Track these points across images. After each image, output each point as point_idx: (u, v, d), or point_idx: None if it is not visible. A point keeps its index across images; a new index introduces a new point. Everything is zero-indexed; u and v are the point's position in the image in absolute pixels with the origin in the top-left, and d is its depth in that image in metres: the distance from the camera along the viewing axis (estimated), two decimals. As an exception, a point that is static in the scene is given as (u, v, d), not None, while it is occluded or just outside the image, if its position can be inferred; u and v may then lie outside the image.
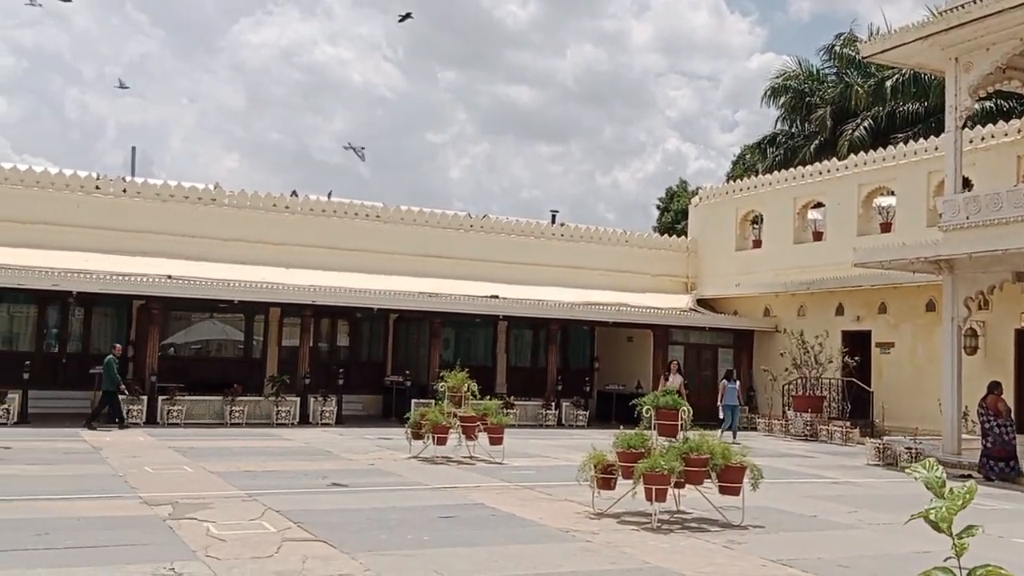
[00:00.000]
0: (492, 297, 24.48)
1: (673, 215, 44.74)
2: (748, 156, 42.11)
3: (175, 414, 20.51)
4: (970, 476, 15.33)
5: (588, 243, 28.92)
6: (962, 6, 16.90)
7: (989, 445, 15.92)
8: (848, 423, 22.57)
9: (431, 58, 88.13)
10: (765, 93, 37.54)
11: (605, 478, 10.39)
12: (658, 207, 48.81)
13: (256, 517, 9.57)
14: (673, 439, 10.53)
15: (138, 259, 21.92)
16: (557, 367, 25.60)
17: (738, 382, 22.53)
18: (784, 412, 24.34)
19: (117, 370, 19.64)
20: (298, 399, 22.01)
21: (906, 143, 24.94)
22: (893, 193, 24.27)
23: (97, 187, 23.41)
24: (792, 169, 28.36)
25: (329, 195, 27.96)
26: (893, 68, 29.61)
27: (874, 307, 23.79)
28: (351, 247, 25.21)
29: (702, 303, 28.42)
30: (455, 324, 26.68)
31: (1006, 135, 21.08)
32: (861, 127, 33.05)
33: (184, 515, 9.48)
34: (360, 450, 16.79)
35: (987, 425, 16.01)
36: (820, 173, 26.31)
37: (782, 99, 37.18)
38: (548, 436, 21.49)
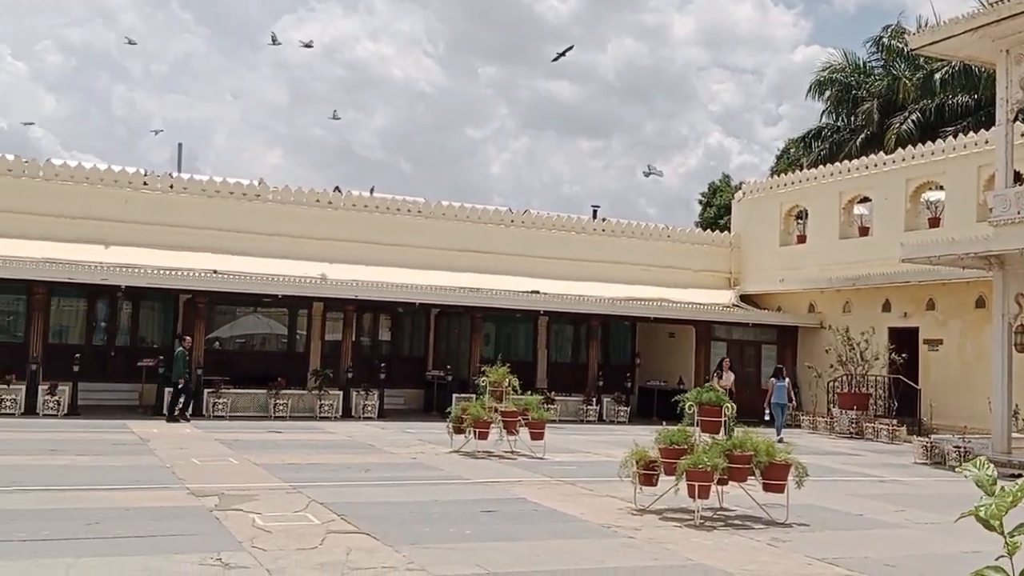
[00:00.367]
0: (533, 292, 24.48)
1: (716, 210, 44.37)
2: (792, 150, 41.60)
3: (220, 407, 20.80)
4: (1021, 475, 15.02)
5: (630, 238, 28.80)
6: (1014, -4, 16.52)
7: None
8: (895, 421, 22.24)
9: (471, 53, 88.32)
10: (810, 86, 37.05)
11: (647, 474, 10.35)
12: (700, 202, 48.45)
13: (300, 509, 9.67)
14: (716, 436, 10.45)
15: (185, 254, 22.25)
16: (598, 363, 25.54)
17: (787, 379, 22.17)
18: (829, 409, 24.04)
19: (185, 364, 19.96)
20: (341, 393, 22.21)
21: (955, 137, 24.47)
22: (942, 187, 23.83)
23: (145, 183, 23.80)
24: (838, 163, 27.97)
25: (371, 191, 28.23)
26: (942, 60, 29.00)
27: (922, 303, 23.40)
28: (393, 242, 25.35)
29: (745, 299, 28.16)
30: (496, 319, 26.73)
31: (1060, 128, 20.58)
32: (909, 120, 32.50)
33: (230, 506, 9.62)
34: (402, 444, 16.89)
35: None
36: (867, 167, 25.94)
37: (828, 92, 36.65)
38: (589, 432, 21.45)
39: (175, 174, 26.61)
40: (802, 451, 11.96)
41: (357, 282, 22.49)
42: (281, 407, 21.39)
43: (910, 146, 25.67)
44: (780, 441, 13.67)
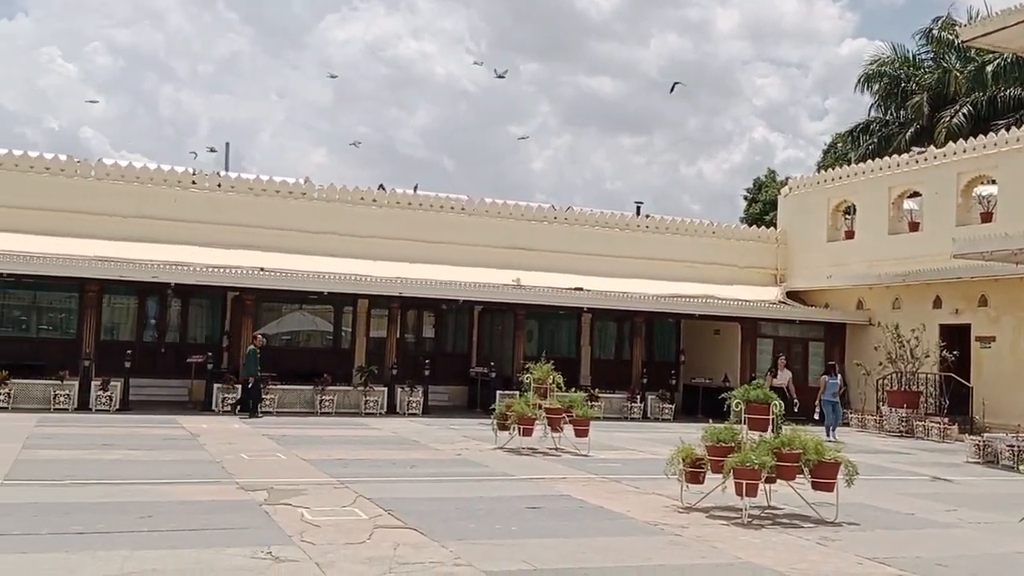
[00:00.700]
0: (576, 289, 24.43)
1: (761, 206, 43.92)
2: (840, 145, 41.05)
3: (268, 403, 21.04)
4: (1078, 476, 14.67)
5: (674, 235, 28.62)
6: (1071, -15, 16.13)
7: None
8: (946, 419, 21.84)
9: (513, 50, 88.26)
10: (859, 80, 36.52)
11: (694, 472, 10.28)
12: (745, 198, 47.97)
13: (348, 504, 9.77)
14: (764, 433, 10.35)
15: (232, 252, 22.56)
16: (642, 360, 25.42)
17: (840, 376, 21.77)
18: (878, 407, 23.68)
19: (257, 361, 20.26)
20: (386, 389, 22.36)
21: (1008, 130, 23.97)
22: (994, 181, 23.34)
23: (193, 182, 24.17)
24: (887, 157, 27.52)
25: (415, 188, 28.37)
26: (994, 52, 28.46)
27: (974, 300, 22.95)
28: (436, 239, 25.47)
29: (792, 295, 27.84)
30: (539, 316, 26.74)
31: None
32: (960, 113, 31.91)
33: (279, 501, 9.74)
34: (447, 440, 16.97)
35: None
36: (916, 161, 25.51)
37: (876, 86, 36.10)
38: (633, 429, 21.37)
39: (223, 173, 26.98)
40: (851, 449, 11.82)
41: (401, 279, 22.62)
42: (327, 403, 21.60)
43: (961, 140, 25.17)
44: (831, 440, 13.53)
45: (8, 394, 19.25)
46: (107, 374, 20.16)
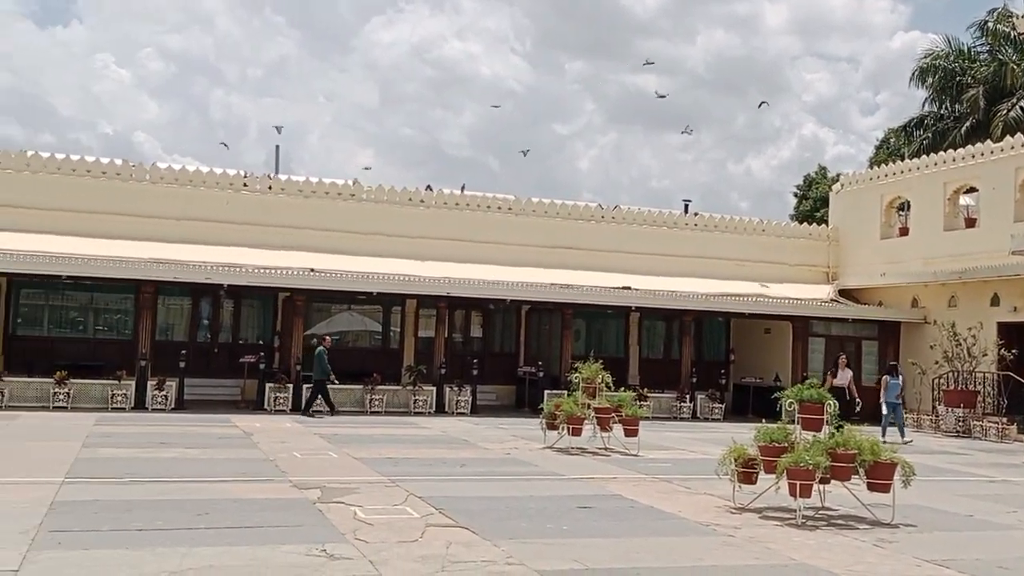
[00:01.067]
0: (624, 288, 24.33)
1: (812, 203, 43.31)
2: (892, 140, 40.32)
3: (319, 402, 21.27)
4: None
5: (723, 233, 28.34)
6: None
7: None
8: (1004, 419, 21.35)
9: (558, 49, 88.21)
10: (912, 74, 35.82)
11: (746, 472, 10.18)
12: (795, 195, 47.34)
13: (400, 503, 9.84)
14: (818, 434, 10.21)
15: (283, 253, 22.85)
16: (691, 359, 25.23)
17: (902, 376, 21.29)
18: (934, 407, 23.23)
19: (324, 362, 20.58)
20: (434, 389, 22.49)
21: (1069, 122, 23.34)
22: (1054, 176, 22.75)
23: (245, 184, 24.52)
24: (942, 152, 26.95)
25: (462, 188, 28.47)
26: (1054, 42, 27.72)
27: (1033, 297, 22.40)
28: (484, 239, 25.54)
29: (844, 293, 27.41)
30: (586, 315, 26.68)
31: None
32: (1017, 107, 31.17)
33: (332, 499, 9.84)
34: (495, 439, 17.01)
35: None
36: (973, 156, 24.96)
37: (930, 79, 35.36)
38: (683, 428, 21.22)
39: (273, 175, 27.33)
40: (907, 450, 11.65)
41: (449, 279, 22.73)
42: (376, 403, 21.78)
43: (1019, 134, 24.57)
44: (888, 441, 13.27)
45: (68, 394, 19.72)
46: (162, 374, 20.53)
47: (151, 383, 20.33)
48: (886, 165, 28.99)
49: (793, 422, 10.37)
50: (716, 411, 24.49)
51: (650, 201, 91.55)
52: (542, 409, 16.11)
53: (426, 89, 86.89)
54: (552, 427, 15.58)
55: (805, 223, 32.08)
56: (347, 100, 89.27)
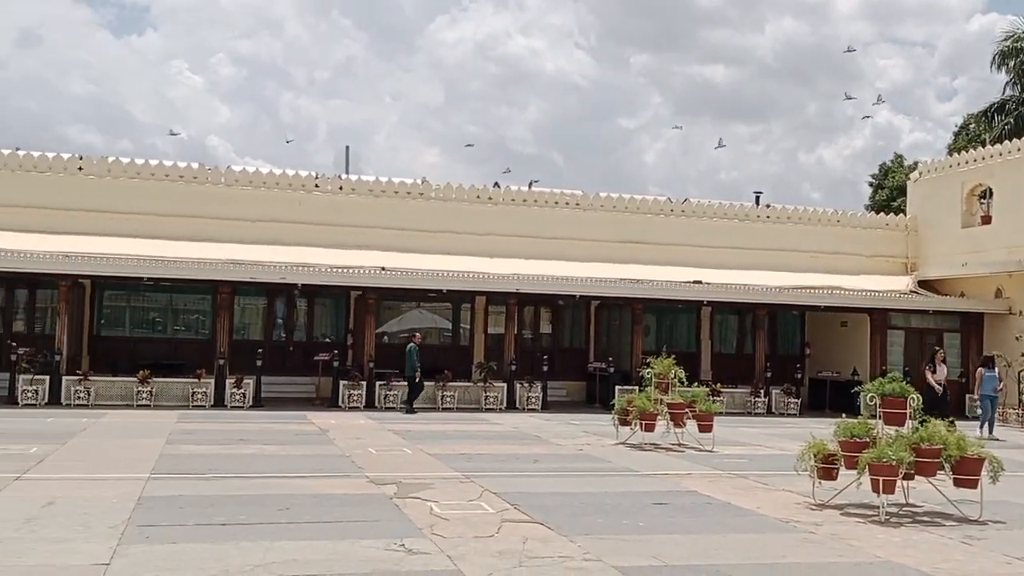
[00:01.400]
0: (695, 282, 24.06)
1: (888, 192, 42.23)
2: (972, 126, 39.07)
3: (391, 399, 21.55)
4: None
5: (796, 224, 27.81)
6: None
7: None
8: (1096, 413, 20.51)
9: (623, 43, 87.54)
10: (993, 57, 34.70)
11: (826, 468, 9.97)
12: (870, 184, 46.18)
13: (475, 498, 9.88)
14: (900, 428, 9.95)
15: (354, 252, 23.16)
16: (765, 353, 24.84)
17: (997, 369, 20.50)
18: (1020, 400, 22.47)
19: (416, 358, 20.91)
20: (505, 385, 22.55)
21: None
22: None
23: (316, 185, 24.90)
24: (1026, 137, 26.03)
25: (530, 185, 28.47)
26: None
27: None
28: (552, 235, 25.50)
29: (924, 285, 26.66)
30: (656, 310, 26.46)
31: None
32: (1106, 88, 29.88)
33: (408, 494, 9.93)
34: (567, 435, 16.97)
35: None
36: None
37: (1012, 62, 34.17)
38: (758, 424, 20.90)
39: (343, 176, 27.70)
40: (993, 444, 11.24)
41: (518, 276, 22.75)
42: (448, 399, 21.94)
43: (1109, 115, 23.59)
44: (992, 438, 12.85)
45: (150, 392, 20.30)
46: (240, 372, 20.99)
47: (229, 381, 20.81)
48: (966, 152, 28.10)
49: (874, 417, 10.13)
50: (792, 406, 24.07)
51: (719, 194, 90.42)
52: (613, 405, 16.03)
53: (490, 86, 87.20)
54: (624, 423, 15.48)
55: (882, 213, 31.25)
56: (412, 99, 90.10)
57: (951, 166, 27.60)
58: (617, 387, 21.65)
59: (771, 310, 25.38)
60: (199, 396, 20.56)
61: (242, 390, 20.75)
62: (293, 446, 14.38)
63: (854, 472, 9.59)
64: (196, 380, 20.74)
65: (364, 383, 21.59)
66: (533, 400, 22.50)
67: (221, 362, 21.03)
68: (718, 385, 23.22)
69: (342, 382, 21.63)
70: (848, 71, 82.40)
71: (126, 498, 9.26)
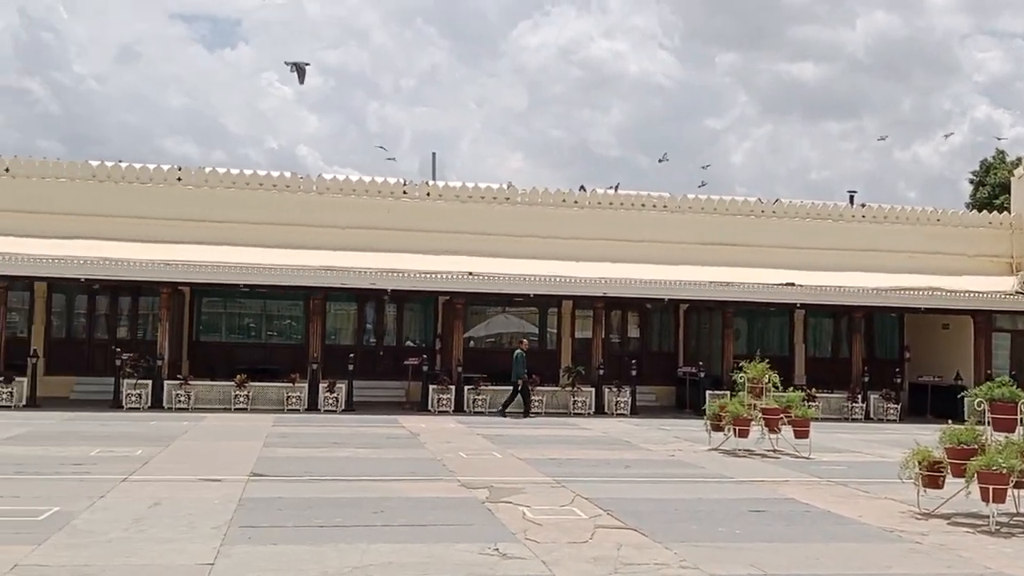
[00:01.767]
0: (788, 284, 23.52)
1: (990, 189, 40.59)
2: (1080, 118, 37.25)
3: (480, 403, 21.66)
4: None
5: (892, 224, 26.96)
6: None
7: None
8: None
9: (708, 42, 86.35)
10: (1101, 45, 32.98)
11: (932, 476, 9.60)
12: (971, 181, 44.47)
13: (567, 503, 9.83)
14: (1010, 435, 9.52)
15: (441, 257, 23.33)
16: (862, 357, 24.13)
17: None
18: None
19: (523, 364, 21.16)
20: (593, 390, 22.44)
21: None
22: None
23: (404, 192, 25.24)
24: None
25: (615, 187, 28.25)
26: None
27: None
28: (638, 238, 25.28)
29: (1030, 285, 25.51)
30: (747, 313, 25.99)
31: None
32: None
33: (500, 499, 9.95)
34: (657, 441, 16.78)
35: None
36: None
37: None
38: (856, 430, 20.32)
39: (430, 182, 27.99)
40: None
41: (605, 279, 22.62)
42: (536, 403, 21.92)
43: None
44: None
45: (247, 396, 20.86)
46: (332, 377, 21.39)
47: (322, 385, 21.22)
48: (1075, 145, 26.80)
49: (981, 423, 9.73)
50: (891, 412, 23.32)
51: (810, 193, 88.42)
52: (704, 410, 15.79)
53: (573, 90, 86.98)
54: (717, 428, 15.24)
55: (984, 211, 30.06)
56: (496, 105, 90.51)
57: (1059, 161, 26.38)
58: (708, 392, 21.37)
59: (868, 312, 24.65)
60: (293, 400, 21.02)
61: (335, 394, 21.14)
62: (385, 449, 14.56)
63: (961, 480, 9.23)
64: (290, 384, 21.22)
65: (453, 387, 21.76)
66: (622, 405, 22.33)
67: (314, 367, 21.48)
68: (813, 390, 22.66)
69: (431, 386, 21.85)
70: (945, 64, 79.75)
71: (227, 499, 9.50)
